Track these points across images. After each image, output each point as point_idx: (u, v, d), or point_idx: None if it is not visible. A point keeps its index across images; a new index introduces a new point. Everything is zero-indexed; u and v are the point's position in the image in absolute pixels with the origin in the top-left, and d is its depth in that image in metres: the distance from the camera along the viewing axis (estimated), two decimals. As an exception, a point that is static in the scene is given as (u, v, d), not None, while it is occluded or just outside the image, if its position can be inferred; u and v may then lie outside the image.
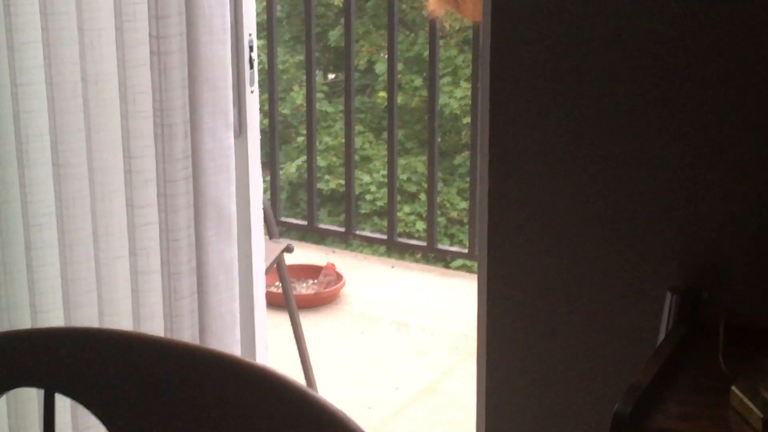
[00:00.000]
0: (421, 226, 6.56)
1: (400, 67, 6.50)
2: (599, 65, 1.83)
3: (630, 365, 1.85)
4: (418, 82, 7.05)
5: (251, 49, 2.19)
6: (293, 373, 3.26)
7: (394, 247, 4.84)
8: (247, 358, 1.39)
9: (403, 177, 6.70)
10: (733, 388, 1.51)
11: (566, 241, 1.92)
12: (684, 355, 1.65)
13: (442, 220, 6.53)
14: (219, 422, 1.27)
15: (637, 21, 1.79)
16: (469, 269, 5.47)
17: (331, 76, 7.66)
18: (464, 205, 6.61)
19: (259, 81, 2.27)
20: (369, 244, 5.59)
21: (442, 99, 6.54)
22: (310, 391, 1.25)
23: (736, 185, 1.78)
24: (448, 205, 6.74)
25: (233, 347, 2.11)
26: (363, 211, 6.80)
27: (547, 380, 1.98)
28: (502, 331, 2.01)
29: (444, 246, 5.09)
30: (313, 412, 1.22)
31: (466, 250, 4.61)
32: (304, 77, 6.56)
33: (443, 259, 5.52)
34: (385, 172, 6.51)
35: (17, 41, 2.07)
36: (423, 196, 6.67)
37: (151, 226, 2.03)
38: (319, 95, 6.88)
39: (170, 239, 2.01)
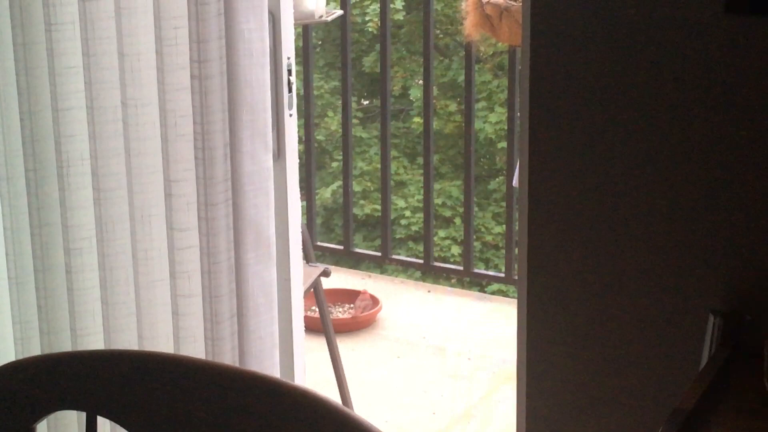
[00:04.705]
0: (456, 250, 6.55)
1: (434, 92, 6.52)
2: (638, 87, 1.82)
3: (673, 389, 1.83)
4: (453, 107, 7.06)
5: (290, 72, 2.19)
6: (330, 397, 3.24)
7: (430, 272, 4.83)
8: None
9: (438, 201, 6.70)
10: (779, 411, 1.50)
11: (607, 265, 1.90)
12: (727, 379, 1.63)
13: (477, 244, 6.52)
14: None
15: (679, 45, 1.78)
16: (504, 293, 5.46)
17: (365, 102, 7.68)
18: (499, 229, 6.60)
19: (295, 106, 2.28)
20: (404, 268, 5.59)
21: (477, 124, 6.55)
22: (352, 413, 1.24)
23: (779, 207, 1.76)
24: (483, 229, 6.73)
25: (272, 370, 2.11)
26: (398, 236, 6.80)
27: (588, 404, 1.97)
28: (541, 354, 1.99)
29: (480, 270, 5.08)
30: (355, 434, 1.21)
31: (502, 274, 4.60)
32: (338, 103, 6.59)
33: (479, 284, 5.51)
34: (419, 197, 6.52)
35: (59, 66, 2.09)
36: (458, 221, 6.67)
37: (192, 249, 2.04)
38: (354, 121, 6.90)
39: (211, 262, 2.01)
